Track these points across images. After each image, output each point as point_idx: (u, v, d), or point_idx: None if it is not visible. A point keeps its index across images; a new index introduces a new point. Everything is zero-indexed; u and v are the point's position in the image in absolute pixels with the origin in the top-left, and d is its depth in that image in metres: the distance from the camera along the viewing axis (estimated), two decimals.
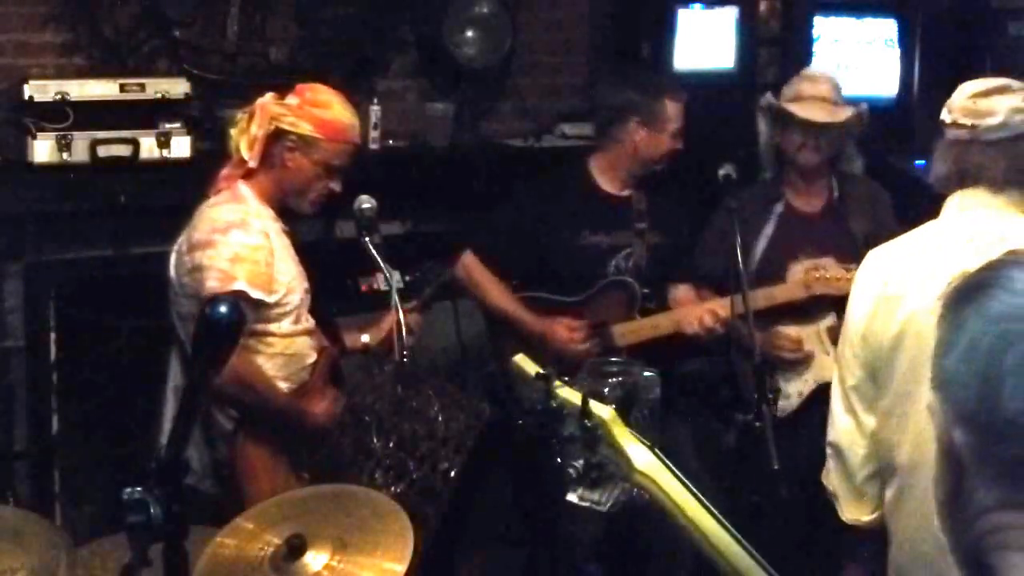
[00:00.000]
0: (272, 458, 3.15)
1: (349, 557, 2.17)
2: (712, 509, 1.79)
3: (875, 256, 2.76)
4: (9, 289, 4.19)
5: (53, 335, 4.23)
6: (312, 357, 3.26)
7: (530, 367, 2.08)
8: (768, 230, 4.01)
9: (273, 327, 3.15)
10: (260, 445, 3.13)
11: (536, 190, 4.03)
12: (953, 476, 1.14)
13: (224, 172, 3.27)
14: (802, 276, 3.83)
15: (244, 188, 3.22)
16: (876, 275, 2.68)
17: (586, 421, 1.92)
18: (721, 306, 3.76)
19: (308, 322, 3.26)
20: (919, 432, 2.49)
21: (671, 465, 1.85)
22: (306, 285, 3.26)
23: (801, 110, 3.91)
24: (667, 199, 4.02)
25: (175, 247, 3.24)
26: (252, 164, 3.19)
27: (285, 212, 3.29)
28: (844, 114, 3.94)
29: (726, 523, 1.78)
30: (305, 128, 3.20)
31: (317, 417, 3.20)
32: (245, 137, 3.21)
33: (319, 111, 3.22)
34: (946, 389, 1.13)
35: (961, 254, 2.46)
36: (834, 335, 3.92)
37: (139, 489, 1.81)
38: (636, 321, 3.86)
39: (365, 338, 3.44)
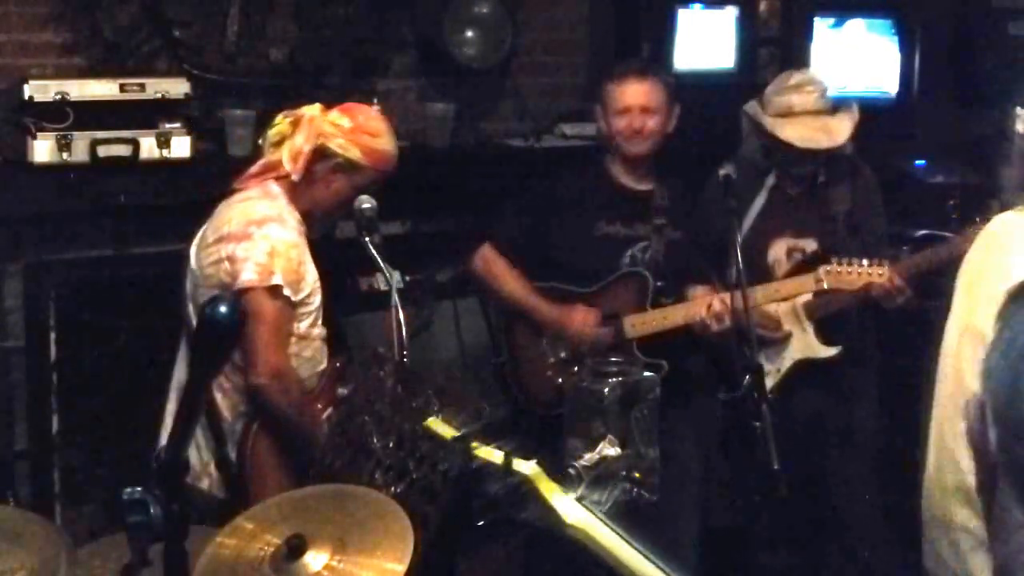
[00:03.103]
0: (281, 460, 3.13)
1: (349, 557, 2.17)
2: (648, 554, 1.76)
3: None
4: (9, 289, 4.19)
5: (53, 335, 4.23)
6: (323, 364, 3.26)
7: (446, 430, 2.00)
8: (758, 204, 3.99)
9: (292, 326, 3.15)
10: (271, 447, 3.12)
11: (553, 183, 4.04)
12: (986, 475, 1.12)
13: (254, 170, 3.27)
14: (814, 271, 3.78)
15: (275, 187, 3.23)
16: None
17: (510, 479, 1.83)
18: (719, 300, 3.74)
19: (323, 329, 3.26)
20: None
21: (601, 515, 1.80)
22: (322, 295, 3.26)
23: (797, 136, 3.83)
24: (692, 198, 3.99)
25: (196, 240, 3.23)
26: (295, 178, 3.20)
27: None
28: (843, 131, 3.87)
29: (664, 567, 1.74)
30: (355, 154, 3.22)
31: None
32: (288, 146, 3.21)
33: (371, 140, 3.24)
34: (987, 383, 1.13)
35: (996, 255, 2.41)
36: (810, 310, 3.94)
37: (139, 489, 1.81)
38: (647, 312, 3.86)
39: None
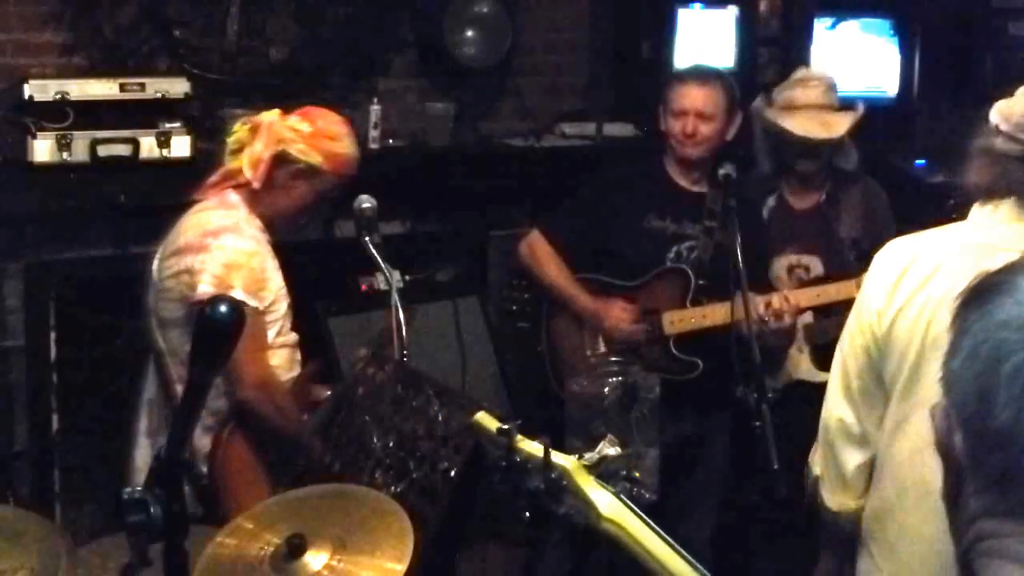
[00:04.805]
0: (253, 470, 3.08)
1: (349, 557, 2.17)
2: (681, 550, 1.76)
3: (898, 249, 2.61)
4: (9, 289, 4.19)
5: (53, 335, 4.23)
6: (293, 372, 3.22)
7: (491, 423, 2.01)
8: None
9: (265, 333, 3.08)
10: (242, 458, 3.06)
11: (608, 175, 4.03)
12: (953, 480, 1.14)
13: (213, 179, 3.23)
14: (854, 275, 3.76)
15: (234, 196, 3.18)
16: (896, 270, 2.54)
17: (550, 472, 1.85)
18: (779, 298, 3.69)
19: (291, 336, 3.22)
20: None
21: (636, 509, 1.82)
22: (289, 300, 3.22)
23: (797, 126, 3.87)
24: (746, 208, 3.88)
25: (158, 252, 3.19)
26: (256, 185, 3.15)
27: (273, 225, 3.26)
28: (842, 125, 3.91)
29: (697, 564, 1.74)
30: (315, 159, 3.17)
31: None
32: (248, 153, 3.17)
33: (331, 144, 3.19)
34: (951, 391, 1.13)
35: (994, 262, 2.39)
36: (810, 334, 3.93)
37: (139, 489, 1.81)
38: (687, 310, 3.83)
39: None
